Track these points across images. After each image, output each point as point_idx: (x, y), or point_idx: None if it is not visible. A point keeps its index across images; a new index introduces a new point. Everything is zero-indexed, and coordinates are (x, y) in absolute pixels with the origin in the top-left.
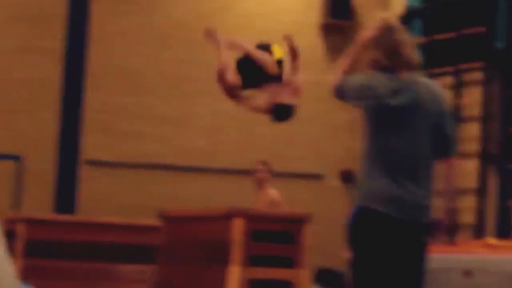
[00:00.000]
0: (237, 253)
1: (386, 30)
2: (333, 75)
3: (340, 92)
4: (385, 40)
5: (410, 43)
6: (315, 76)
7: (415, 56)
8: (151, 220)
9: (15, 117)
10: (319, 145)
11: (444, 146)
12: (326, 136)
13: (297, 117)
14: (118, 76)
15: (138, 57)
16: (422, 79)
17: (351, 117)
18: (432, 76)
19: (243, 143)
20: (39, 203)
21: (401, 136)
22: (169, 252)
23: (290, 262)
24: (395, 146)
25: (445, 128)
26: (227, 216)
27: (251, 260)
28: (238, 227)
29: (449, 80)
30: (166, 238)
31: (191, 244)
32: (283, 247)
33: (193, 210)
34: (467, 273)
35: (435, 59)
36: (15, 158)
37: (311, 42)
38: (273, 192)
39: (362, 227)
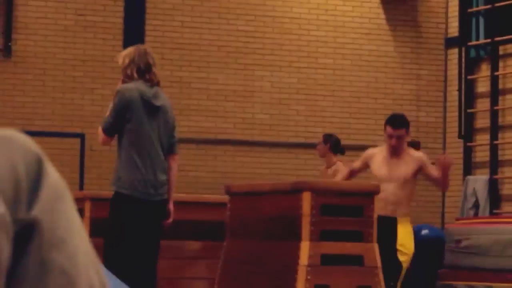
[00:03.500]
0: (306, 227)
1: (141, 53)
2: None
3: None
4: (140, 60)
5: (155, 64)
6: (377, 46)
7: (157, 75)
8: (218, 196)
9: (76, 95)
10: (385, 116)
11: (172, 145)
12: (391, 107)
13: (359, 89)
14: (178, 50)
15: (195, 31)
16: (162, 92)
17: (415, 87)
18: (496, 44)
19: (306, 116)
20: (103, 181)
21: (143, 132)
22: (236, 228)
23: (359, 236)
24: (139, 140)
25: (174, 133)
26: (295, 190)
27: (321, 234)
28: (306, 201)
29: None
30: (232, 214)
31: (258, 219)
32: (352, 220)
33: (260, 184)
34: None
35: (499, 26)
36: (79, 136)
37: (372, 11)
38: (338, 165)
39: (115, 209)
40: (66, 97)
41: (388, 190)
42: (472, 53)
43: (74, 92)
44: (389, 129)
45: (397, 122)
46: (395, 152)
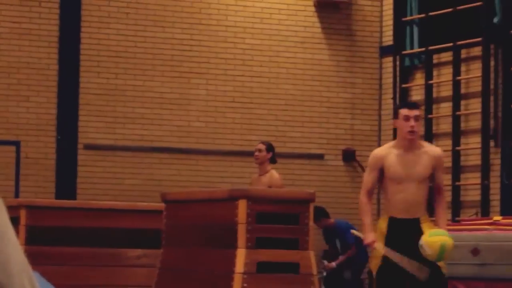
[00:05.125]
0: (242, 235)
1: None
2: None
3: None
4: None
5: None
6: (312, 55)
7: None
8: (153, 204)
9: (12, 103)
10: (319, 124)
11: None
12: (326, 115)
13: (294, 97)
14: (112, 58)
15: (130, 39)
16: None
17: (350, 95)
18: (430, 52)
19: (241, 124)
20: (39, 189)
21: None
22: (172, 236)
23: (295, 244)
24: None
25: None
26: (231, 198)
27: (256, 242)
28: (242, 209)
29: (447, 56)
30: (168, 221)
31: (194, 227)
32: (288, 228)
33: (195, 192)
34: (474, 251)
35: (433, 35)
36: (14, 143)
37: (306, 19)
38: (273, 172)
39: None
40: (1, 104)
41: (408, 191)
42: (407, 61)
43: (9, 99)
44: (404, 111)
45: (411, 103)
46: (411, 143)
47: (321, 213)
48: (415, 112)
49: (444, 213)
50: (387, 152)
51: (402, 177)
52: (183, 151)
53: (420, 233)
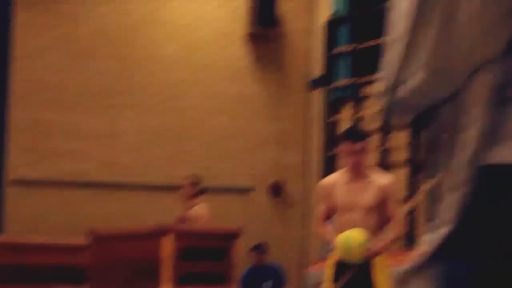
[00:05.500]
0: (167, 271)
1: None
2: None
3: None
4: None
5: None
6: (243, 87)
7: None
8: (80, 240)
9: None
10: (247, 158)
11: None
12: (254, 149)
13: (224, 130)
14: (42, 91)
15: (61, 72)
16: None
17: (278, 129)
18: (359, 85)
19: (170, 158)
20: None
21: None
22: (99, 272)
23: (221, 279)
24: None
25: None
26: (156, 234)
27: (182, 278)
28: (167, 245)
29: (376, 88)
30: (95, 257)
31: (121, 263)
32: (213, 264)
33: (122, 228)
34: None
35: (363, 66)
36: None
37: (237, 52)
38: (199, 207)
39: None
40: None
41: (355, 221)
42: (335, 94)
43: None
44: (347, 145)
45: (356, 135)
46: (357, 172)
47: (263, 248)
48: (359, 146)
49: (387, 233)
50: (334, 181)
51: (348, 206)
52: (110, 186)
53: (369, 263)
